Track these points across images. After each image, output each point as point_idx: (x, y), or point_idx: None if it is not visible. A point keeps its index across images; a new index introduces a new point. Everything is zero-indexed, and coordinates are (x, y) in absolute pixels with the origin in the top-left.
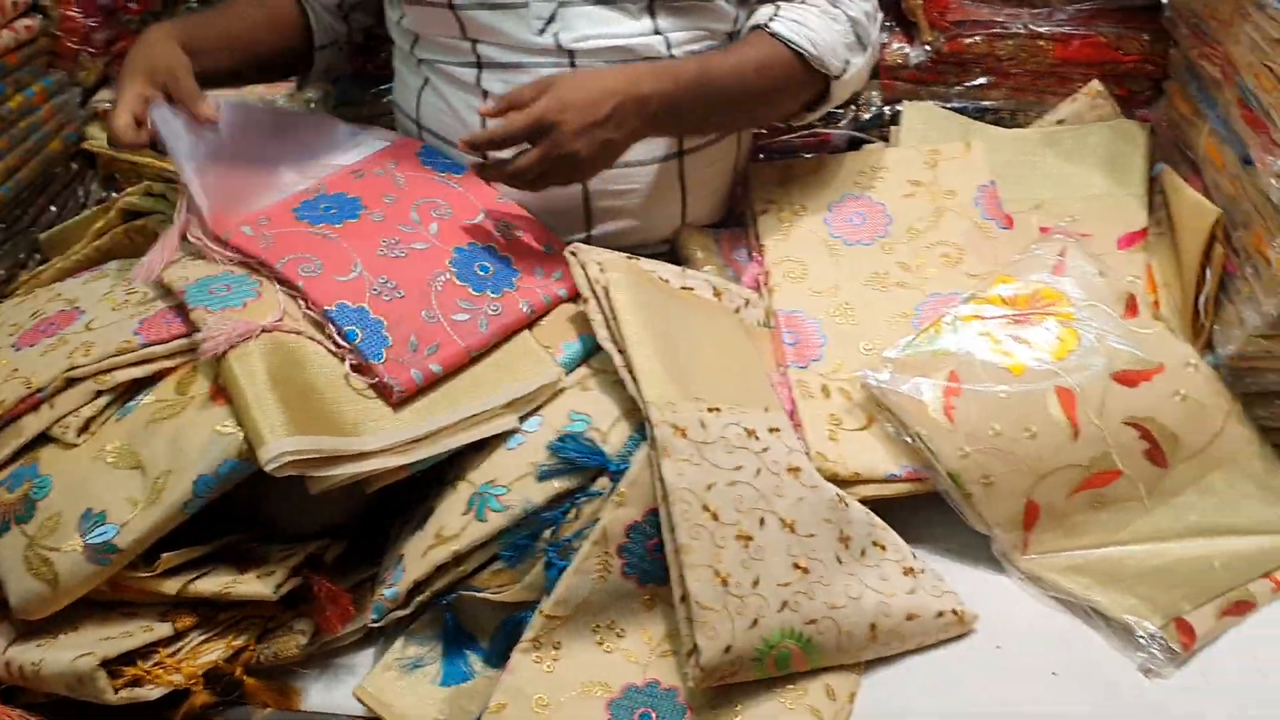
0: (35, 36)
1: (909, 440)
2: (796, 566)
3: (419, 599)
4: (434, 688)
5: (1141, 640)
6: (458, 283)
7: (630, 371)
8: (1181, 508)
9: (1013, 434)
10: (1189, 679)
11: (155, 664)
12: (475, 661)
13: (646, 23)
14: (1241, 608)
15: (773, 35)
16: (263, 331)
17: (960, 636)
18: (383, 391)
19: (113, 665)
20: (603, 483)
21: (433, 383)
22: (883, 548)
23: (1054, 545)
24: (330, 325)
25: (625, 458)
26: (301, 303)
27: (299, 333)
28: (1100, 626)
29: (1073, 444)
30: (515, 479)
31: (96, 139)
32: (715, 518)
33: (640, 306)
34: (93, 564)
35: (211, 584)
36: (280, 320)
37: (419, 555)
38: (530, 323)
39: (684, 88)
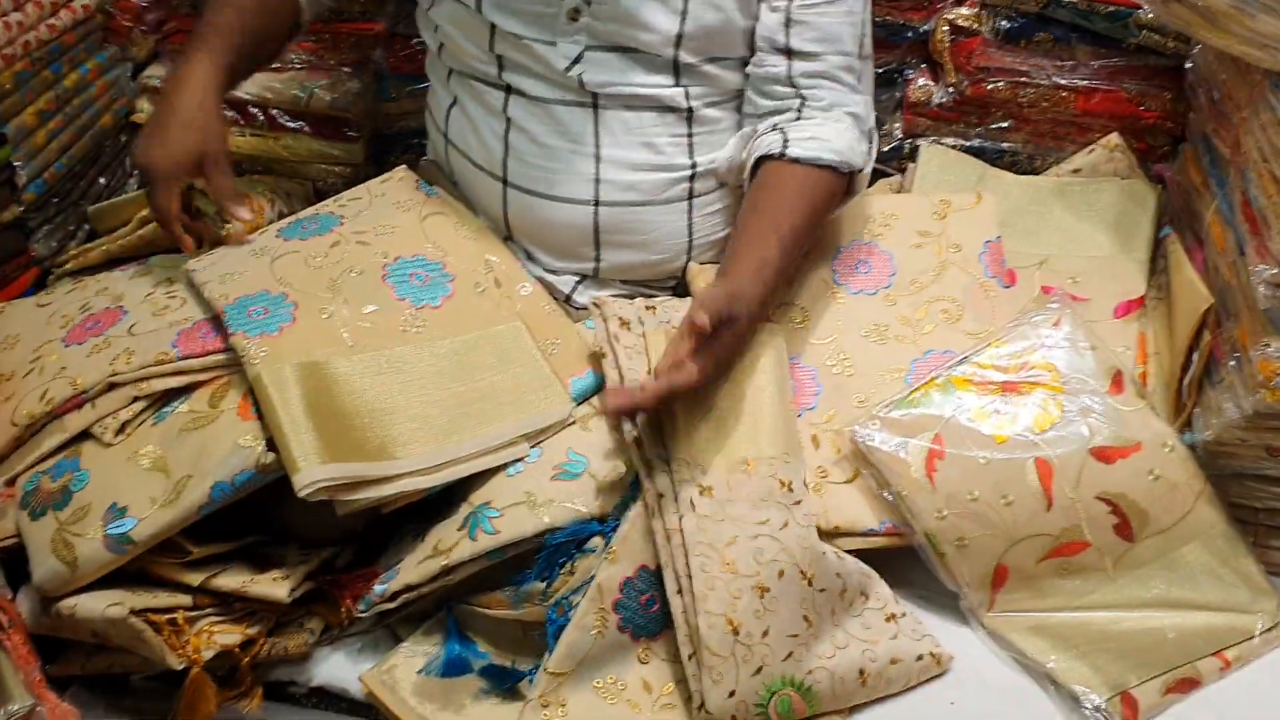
0: (91, 14)
1: (889, 497)
2: (805, 619)
3: (405, 598)
4: (434, 679)
5: (1087, 711)
6: None
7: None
8: (1146, 579)
9: (990, 500)
10: None
11: (174, 628)
12: (474, 662)
13: (669, 76)
14: (1186, 685)
15: (794, 163)
16: None
17: (917, 686)
18: None
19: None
20: (596, 541)
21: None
22: (866, 596)
23: (1019, 605)
24: None
25: (621, 508)
26: None
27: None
28: (1052, 692)
29: (1046, 514)
30: (509, 505)
31: (146, 113)
32: (733, 570)
33: None
34: (110, 552)
35: (231, 580)
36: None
37: (415, 563)
38: None
39: (771, 284)
